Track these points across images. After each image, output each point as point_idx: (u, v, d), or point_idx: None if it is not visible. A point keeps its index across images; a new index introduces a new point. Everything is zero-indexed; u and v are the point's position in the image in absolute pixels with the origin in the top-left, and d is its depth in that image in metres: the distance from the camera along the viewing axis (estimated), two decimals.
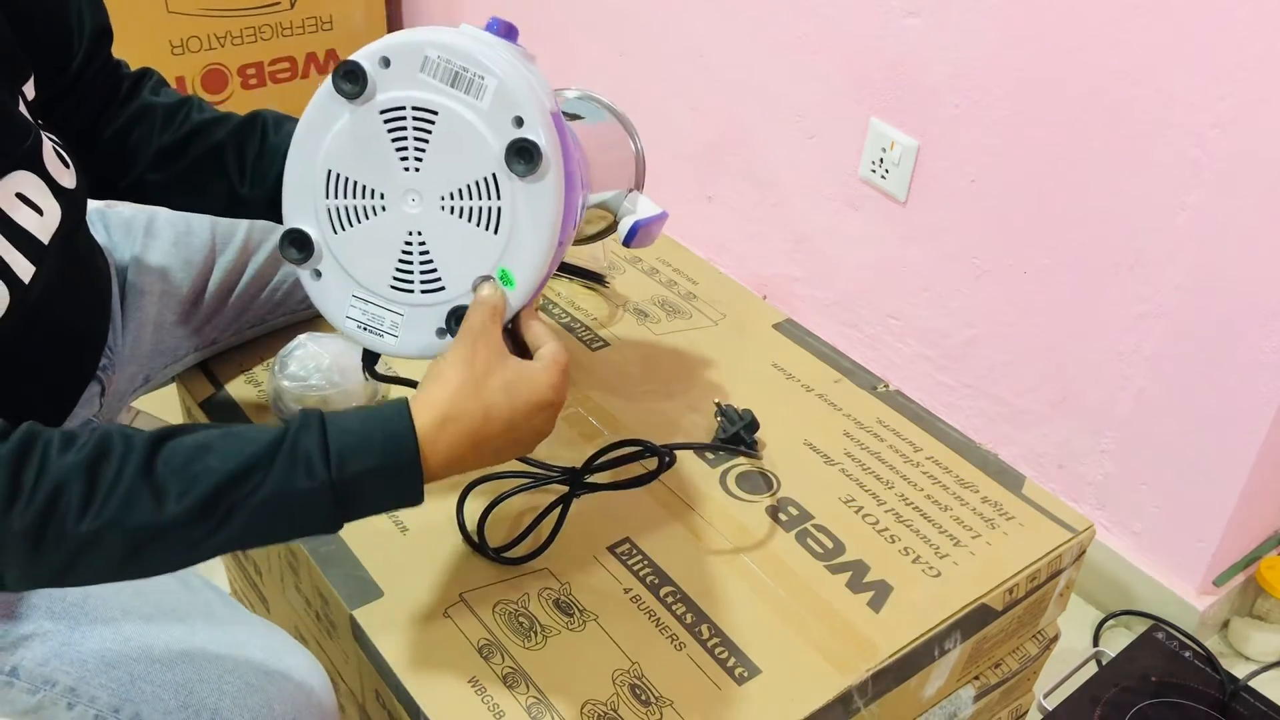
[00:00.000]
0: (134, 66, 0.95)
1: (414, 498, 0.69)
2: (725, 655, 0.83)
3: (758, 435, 1.02)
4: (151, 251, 1.01)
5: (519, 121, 0.70)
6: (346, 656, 0.89)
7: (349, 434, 0.66)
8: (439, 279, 0.74)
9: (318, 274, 0.77)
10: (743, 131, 1.69)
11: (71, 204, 0.80)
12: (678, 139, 1.80)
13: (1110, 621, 1.40)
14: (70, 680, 0.76)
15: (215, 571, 1.29)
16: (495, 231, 0.72)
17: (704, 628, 0.85)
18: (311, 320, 1.13)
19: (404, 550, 0.89)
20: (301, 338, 1.02)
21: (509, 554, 0.89)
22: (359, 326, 0.77)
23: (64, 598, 0.79)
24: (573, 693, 0.79)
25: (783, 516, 0.95)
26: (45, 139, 0.78)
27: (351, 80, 0.71)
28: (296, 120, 0.76)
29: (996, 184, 1.36)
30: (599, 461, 0.91)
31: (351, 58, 0.71)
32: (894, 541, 0.94)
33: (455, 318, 0.74)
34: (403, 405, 0.68)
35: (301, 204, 0.76)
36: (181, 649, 0.76)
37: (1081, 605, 1.43)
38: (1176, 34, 1.13)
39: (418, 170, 0.72)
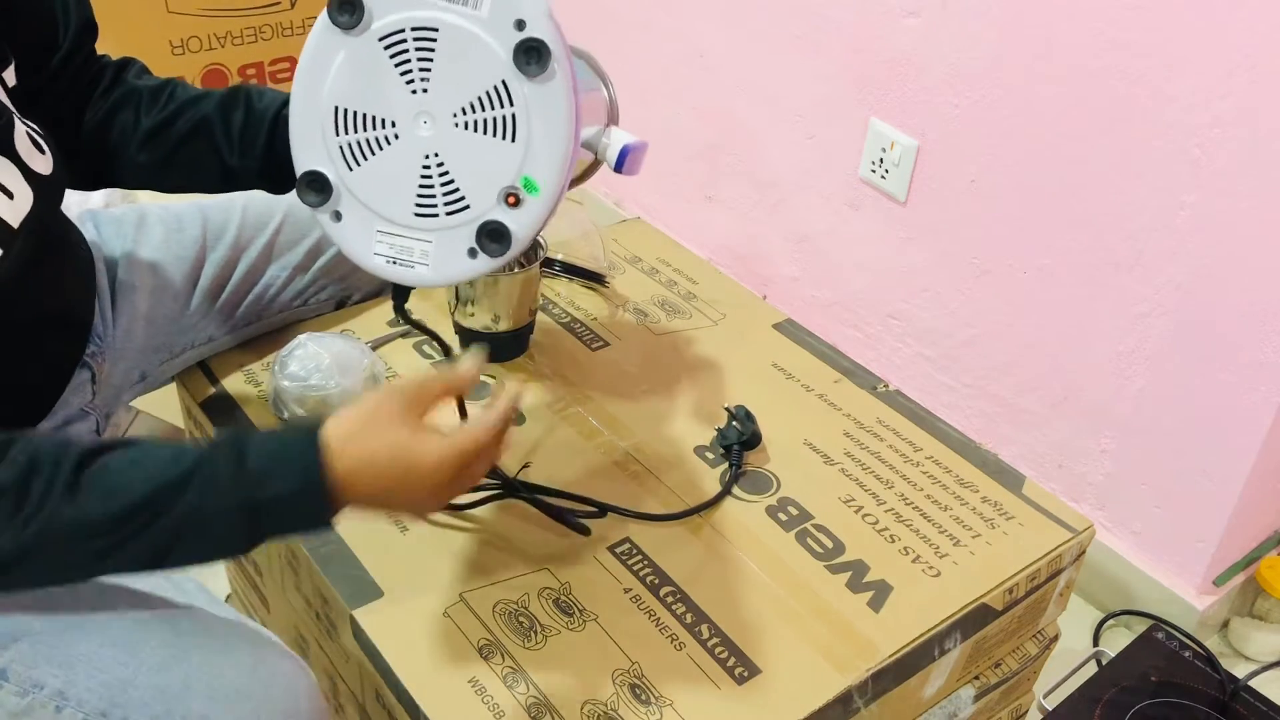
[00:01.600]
0: None
1: (322, 522, 0.70)
2: (725, 655, 0.83)
3: (760, 435, 1.02)
4: (142, 247, 1.01)
5: (521, 24, 0.70)
6: (346, 656, 0.89)
7: (260, 458, 0.68)
8: (463, 197, 0.74)
9: (338, 215, 0.76)
10: (743, 131, 1.69)
11: (46, 189, 0.80)
12: (678, 139, 1.80)
13: (1110, 621, 1.40)
14: (59, 683, 0.76)
15: (215, 572, 1.29)
16: (513, 140, 0.72)
17: (704, 628, 0.85)
18: (311, 320, 1.13)
19: (404, 550, 0.89)
20: (301, 338, 1.02)
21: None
22: (388, 261, 0.76)
23: (53, 600, 0.78)
24: (573, 693, 0.79)
25: (783, 516, 0.95)
26: (19, 123, 0.78)
27: (347, 10, 0.71)
28: (277, 91, 0.76)
29: (996, 184, 1.36)
30: (536, 494, 0.92)
31: None
32: (894, 541, 0.94)
33: (485, 233, 0.74)
34: (312, 431, 0.69)
35: (312, 145, 0.75)
36: (171, 653, 0.76)
37: (1081, 605, 1.43)
38: (1176, 34, 1.13)
39: (425, 91, 0.72)
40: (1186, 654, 1.28)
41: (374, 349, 1.10)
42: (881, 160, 1.47)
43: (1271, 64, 1.07)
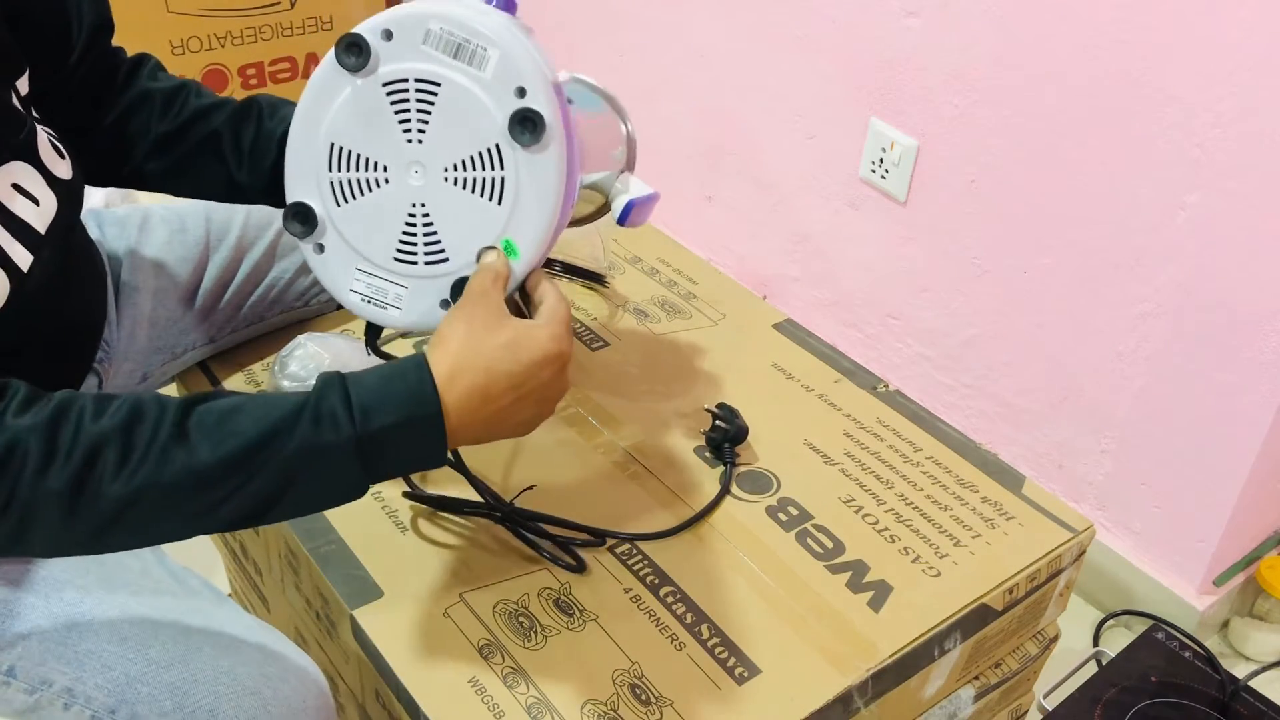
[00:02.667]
0: None
1: (437, 453, 0.70)
2: (725, 655, 0.83)
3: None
4: (145, 248, 1.01)
5: (521, 92, 0.70)
6: (346, 656, 0.89)
7: (371, 390, 0.67)
8: (443, 250, 0.74)
9: (320, 248, 0.77)
10: (743, 131, 1.69)
11: (68, 195, 0.80)
12: (678, 139, 1.80)
13: (1110, 621, 1.40)
14: (67, 680, 0.76)
15: (215, 572, 1.29)
16: (499, 202, 0.73)
17: (704, 628, 0.85)
18: (311, 320, 1.13)
19: (404, 550, 0.89)
20: (301, 338, 1.02)
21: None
22: (363, 300, 0.77)
23: (61, 597, 0.79)
24: (573, 693, 0.79)
25: (783, 516, 0.95)
26: (40, 130, 0.79)
27: (354, 53, 0.71)
28: (292, 104, 0.77)
29: (996, 184, 1.36)
30: (530, 522, 0.91)
31: (354, 30, 0.71)
32: (894, 541, 0.94)
33: (459, 289, 0.75)
34: (420, 360, 0.69)
35: (304, 177, 0.76)
36: (179, 650, 0.76)
37: (1081, 605, 1.43)
38: (1177, 34, 1.13)
39: (421, 142, 0.72)
40: (1186, 654, 1.28)
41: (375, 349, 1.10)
42: (881, 160, 1.47)
43: (1272, 64, 1.07)
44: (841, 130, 1.52)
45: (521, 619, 0.84)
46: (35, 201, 0.76)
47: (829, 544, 0.93)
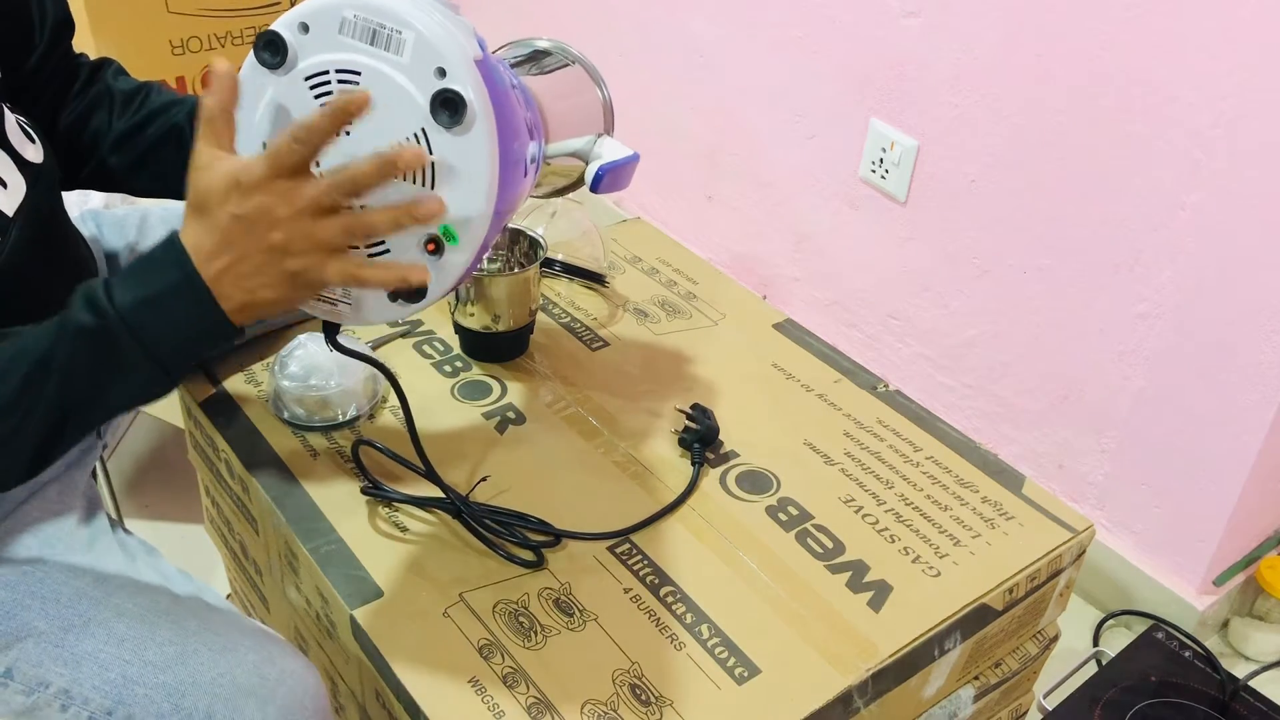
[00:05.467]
0: (134, 66, 0.96)
1: (200, 299, 0.67)
2: (725, 655, 0.83)
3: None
4: (144, 248, 1.01)
5: (441, 73, 0.68)
6: (346, 656, 0.89)
7: (121, 275, 0.67)
8: (382, 241, 0.73)
9: None
10: (743, 131, 1.69)
11: (38, 177, 0.80)
12: (678, 139, 1.80)
13: (1110, 621, 1.40)
14: (64, 682, 0.76)
15: (215, 573, 1.29)
16: (432, 187, 0.71)
17: (704, 628, 0.85)
18: (311, 320, 1.13)
19: (404, 550, 0.89)
20: (301, 338, 1.02)
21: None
22: (315, 299, 0.76)
23: (59, 599, 0.79)
24: (573, 693, 0.79)
25: (783, 516, 0.95)
26: (9, 114, 0.78)
27: (272, 50, 0.70)
28: None
29: (996, 184, 1.36)
30: (485, 517, 0.91)
31: (271, 27, 0.70)
32: (894, 541, 0.94)
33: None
34: (171, 235, 0.68)
35: None
36: (175, 651, 0.76)
37: (1081, 605, 1.43)
38: (1177, 34, 1.13)
39: (349, 134, 0.70)
40: (1186, 654, 1.28)
41: (374, 349, 1.10)
42: (881, 160, 1.47)
43: (1272, 64, 1.07)
44: (841, 130, 1.52)
45: (521, 619, 0.84)
46: (3, 185, 0.76)
47: (829, 544, 0.93)
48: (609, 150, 0.96)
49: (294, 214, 0.66)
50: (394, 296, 0.74)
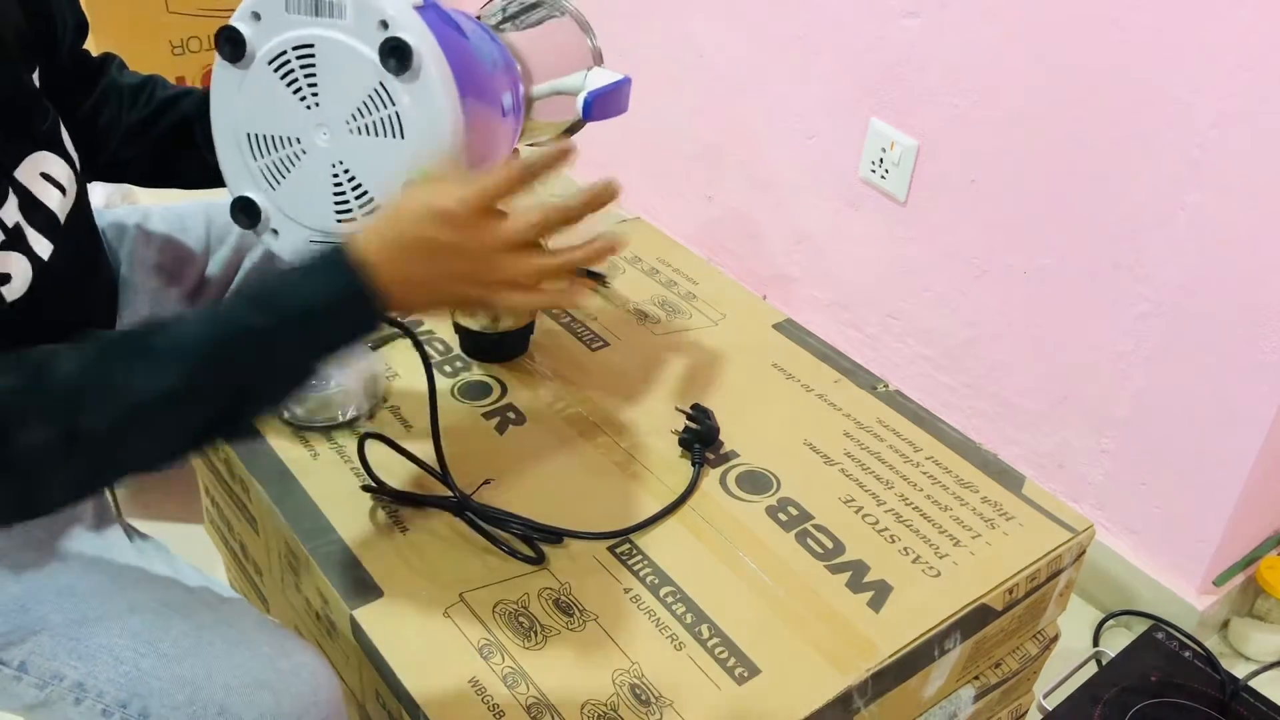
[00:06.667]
0: (134, 66, 0.96)
1: (365, 291, 0.66)
2: (725, 655, 0.83)
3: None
4: (145, 248, 1.01)
5: (384, 25, 0.72)
6: (346, 656, 0.89)
7: (292, 274, 0.66)
8: (372, 198, 0.76)
9: (275, 233, 0.80)
10: (743, 131, 1.69)
11: (81, 183, 0.82)
12: (678, 139, 1.80)
13: (1110, 621, 1.40)
14: (78, 675, 0.76)
15: (215, 573, 1.29)
16: (403, 136, 0.74)
17: (704, 628, 0.85)
18: None
19: (404, 550, 0.89)
20: None
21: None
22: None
23: (72, 593, 0.79)
24: (573, 693, 0.79)
25: (783, 516, 0.95)
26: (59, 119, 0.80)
27: (232, 44, 0.74)
28: None
29: (996, 184, 1.36)
30: (485, 517, 0.91)
31: (227, 23, 0.74)
32: (894, 541, 0.94)
33: None
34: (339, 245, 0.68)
35: (238, 174, 0.79)
36: (189, 644, 0.76)
37: (1081, 605, 1.43)
38: (1177, 34, 1.13)
39: (318, 105, 0.75)
40: (1186, 654, 1.28)
41: (374, 348, 1.10)
42: (881, 160, 1.47)
43: (1272, 64, 1.07)
44: (841, 130, 1.52)
45: (521, 619, 0.84)
46: (62, 190, 0.78)
47: (829, 544, 0.93)
48: (595, 79, 0.98)
49: (489, 249, 0.69)
50: None
